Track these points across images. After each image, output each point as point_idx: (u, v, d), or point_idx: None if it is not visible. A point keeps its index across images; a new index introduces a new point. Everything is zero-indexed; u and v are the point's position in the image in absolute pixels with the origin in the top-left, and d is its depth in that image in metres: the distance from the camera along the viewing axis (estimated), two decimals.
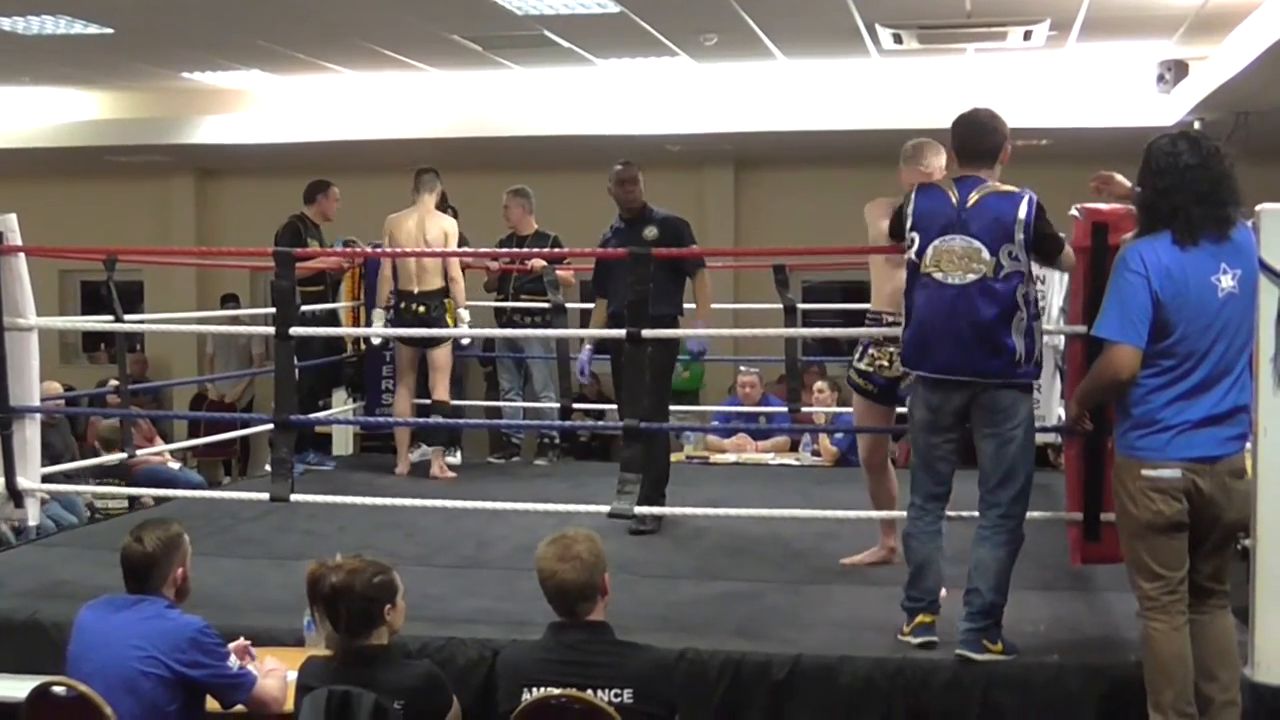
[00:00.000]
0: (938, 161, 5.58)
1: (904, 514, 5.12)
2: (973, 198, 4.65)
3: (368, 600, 3.86)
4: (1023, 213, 4.61)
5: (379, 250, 8.55)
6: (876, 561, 5.99)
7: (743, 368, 10.03)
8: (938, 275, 4.64)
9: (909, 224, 4.76)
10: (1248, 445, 4.41)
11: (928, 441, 4.83)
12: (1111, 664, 4.69)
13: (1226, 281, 4.17)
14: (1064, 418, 5.38)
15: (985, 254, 4.58)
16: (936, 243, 4.65)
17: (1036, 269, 4.91)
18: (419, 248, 8.31)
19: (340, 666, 3.83)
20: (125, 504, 8.45)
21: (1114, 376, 4.21)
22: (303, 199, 9.01)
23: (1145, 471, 4.19)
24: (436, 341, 8.38)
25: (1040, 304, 4.97)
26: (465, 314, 8.56)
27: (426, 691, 3.85)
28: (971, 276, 4.59)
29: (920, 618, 4.81)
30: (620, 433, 5.75)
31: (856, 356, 5.80)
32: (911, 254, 4.73)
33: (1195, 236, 4.17)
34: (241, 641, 4.47)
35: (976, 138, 4.79)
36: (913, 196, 4.80)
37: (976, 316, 4.59)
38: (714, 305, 7.06)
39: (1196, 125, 10.03)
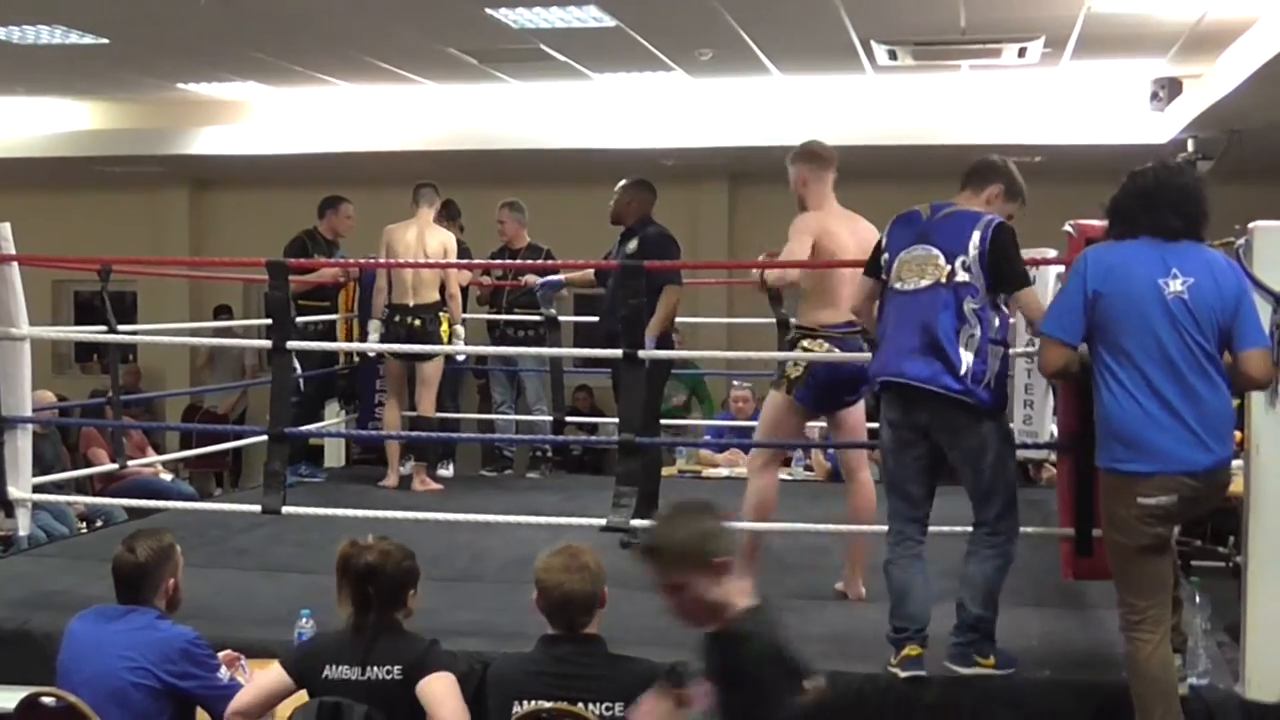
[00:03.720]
0: (798, 169, 5.82)
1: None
2: (942, 213, 4.76)
3: (397, 583, 3.95)
4: (980, 227, 4.65)
5: (373, 261, 8.54)
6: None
7: (735, 382, 10.03)
8: (898, 285, 4.71)
9: (883, 252, 4.83)
10: (1237, 463, 4.41)
11: (896, 462, 4.79)
12: (1103, 680, 4.69)
13: (1175, 285, 4.18)
14: (1056, 434, 5.40)
15: (941, 260, 4.63)
16: (902, 254, 4.73)
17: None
18: (417, 260, 8.31)
19: (350, 641, 3.91)
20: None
21: (1043, 367, 4.47)
22: (316, 214, 9.06)
23: (1141, 499, 4.18)
24: (428, 355, 8.37)
25: (1009, 324, 4.90)
26: (461, 330, 8.55)
27: (426, 657, 3.91)
28: (925, 281, 4.63)
29: (907, 650, 4.69)
30: (610, 446, 5.77)
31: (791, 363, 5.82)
32: (884, 273, 4.79)
33: (1135, 231, 4.27)
34: (230, 653, 4.46)
35: (973, 166, 4.96)
36: (888, 226, 4.88)
37: (925, 320, 4.60)
38: (708, 320, 7.08)
39: (1190, 143, 10.08)
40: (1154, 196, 4.29)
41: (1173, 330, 4.16)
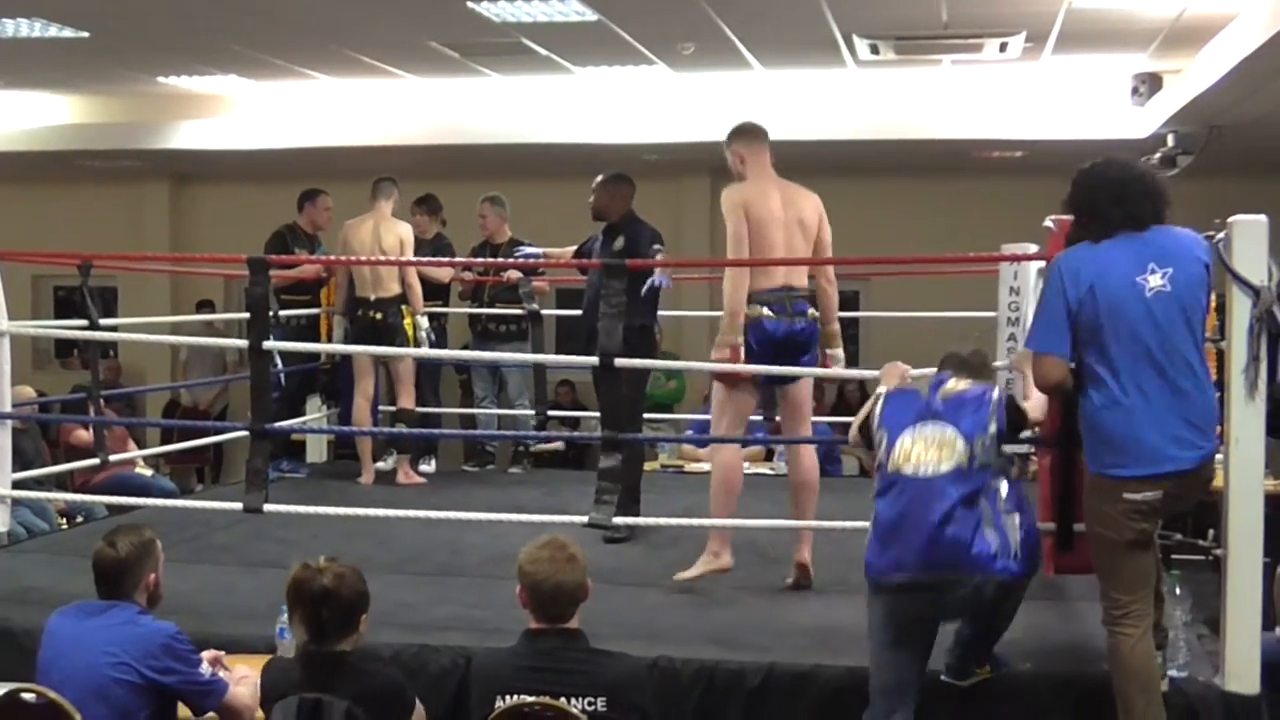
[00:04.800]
0: (734, 149, 5.98)
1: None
2: (946, 389, 4.42)
3: (350, 607, 3.84)
4: (993, 405, 4.35)
5: (348, 259, 8.52)
6: (705, 573, 5.84)
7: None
8: (908, 470, 4.30)
9: (876, 423, 4.48)
10: (1218, 456, 4.43)
11: (894, 659, 4.39)
12: (1084, 673, 4.71)
13: (1155, 280, 4.19)
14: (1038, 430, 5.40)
15: (960, 443, 4.28)
16: (907, 432, 4.35)
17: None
18: (375, 254, 8.30)
19: (304, 671, 3.81)
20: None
21: (1042, 385, 4.34)
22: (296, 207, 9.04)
23: (1127, 495, 4.19)
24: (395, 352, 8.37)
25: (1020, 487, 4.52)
26: (424, 321, 8.53)
27: (389, 698, 3.83)
28: (945, 467, 4.27)
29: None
30: (594, 441, 5.77)
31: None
32: (881, 454, 4.41)
33: (1110, 231, 4.25)
34: (214, 652, 4.45)
35: (964, 354, 4.65)
36: (882, 398, 4.55)
37: (946, 508, 4.21)
38: (690, 314, 7.09)
39: (1170, 138, 10.12)
40: (1123, 187, 4.29)
41: (1155, 329, 4.17)
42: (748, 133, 5.98)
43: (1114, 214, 4.27)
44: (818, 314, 5.92)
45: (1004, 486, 4.31)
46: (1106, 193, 4.31)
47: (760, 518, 6.26)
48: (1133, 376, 4.17)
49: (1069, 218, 4.71)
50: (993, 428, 4.31)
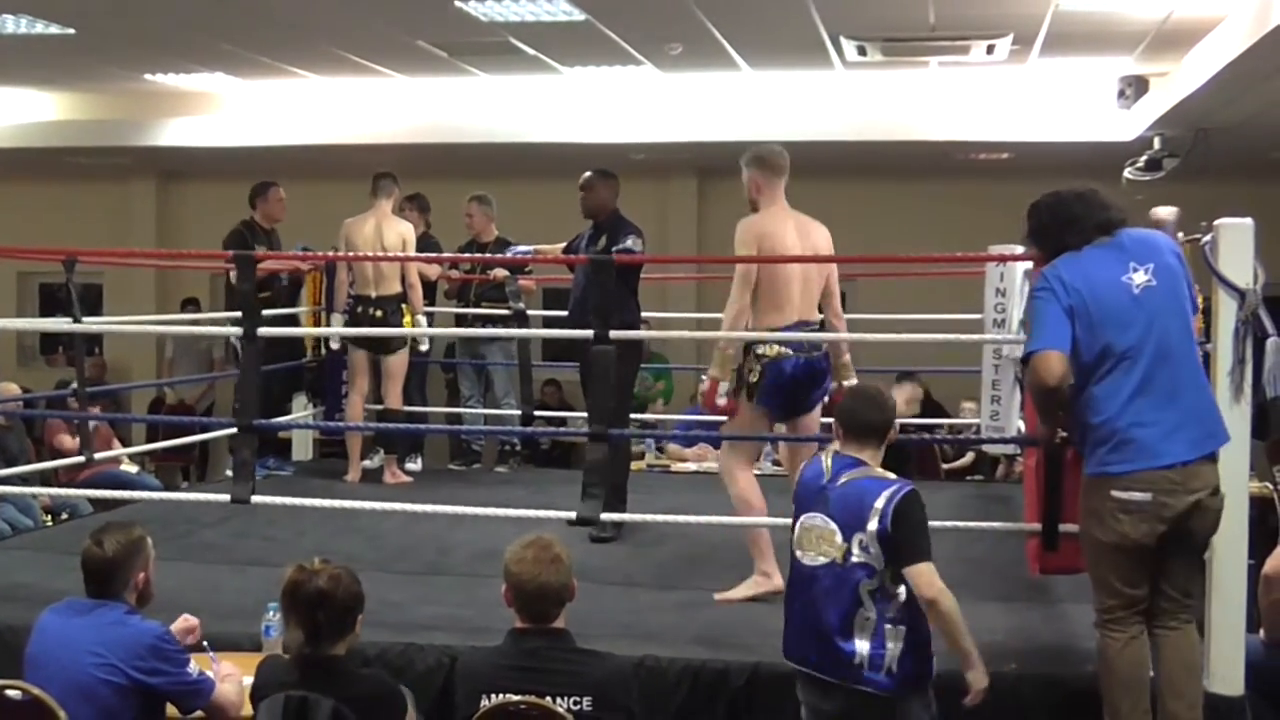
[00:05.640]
0: (751, 174, 5.83)
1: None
2: (844, 477, 4.18)
3: (346, 609, 3.83)
4: (882, 501, 4.06)
5: (335, 255, 8.51)
6: (756, 596, 5.73)
7: (704, 376, 10.01)
8: (799, 554, 4.22)
9: (793, 493, 4.39)
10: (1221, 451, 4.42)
11: None
12: (1068, 674, 4.73)
13: (1140, 277, 4.23)
14: (1023, 429, 5.42)
15: (838, 537, 4.10)
16: (803, 519, 4.23)
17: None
18: (377, 253, 8.29)
19: (298, 673, 3.80)
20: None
21: (1042, 383, 4.21)
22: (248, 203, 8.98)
23: (1115, 493, 4.20)
24: (392, 347, 8.37)
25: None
26: (423, 319, 8.54)
27: (381, 703, 3.82)
28: (821, 560, 4.12)
29: None
30: (580, 440, 5.76)
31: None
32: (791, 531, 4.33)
33: (1089, 237, 4.30)
34: (187, 620, 4.49)
35: (865, 412, 4.33)
36: (801, 469, 4.45)
37: (819, 604, 4.11)
38: (676, 314, 7.10)
39: (1156, 141, 10.16)
40: (1082, 202, 4.37)
41: (1148, 324, 4.20)
42: (769, 166, 5.85)
43: (1084, 226, 4.32)
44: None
45: (900, 593, 4.08)
46: (1067, 210, 4.37)
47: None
48: (1128, 372, 4.18)
49: (1033, 249, 4.71)
50: (873, 526, 4.05)
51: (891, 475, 4.19)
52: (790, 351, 5.65)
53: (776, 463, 9.33)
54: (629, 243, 6.93)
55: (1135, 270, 4.24)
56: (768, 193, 5.84)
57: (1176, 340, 4.24)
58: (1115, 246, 4.30)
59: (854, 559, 4.06)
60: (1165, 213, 4.99)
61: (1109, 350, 4.20)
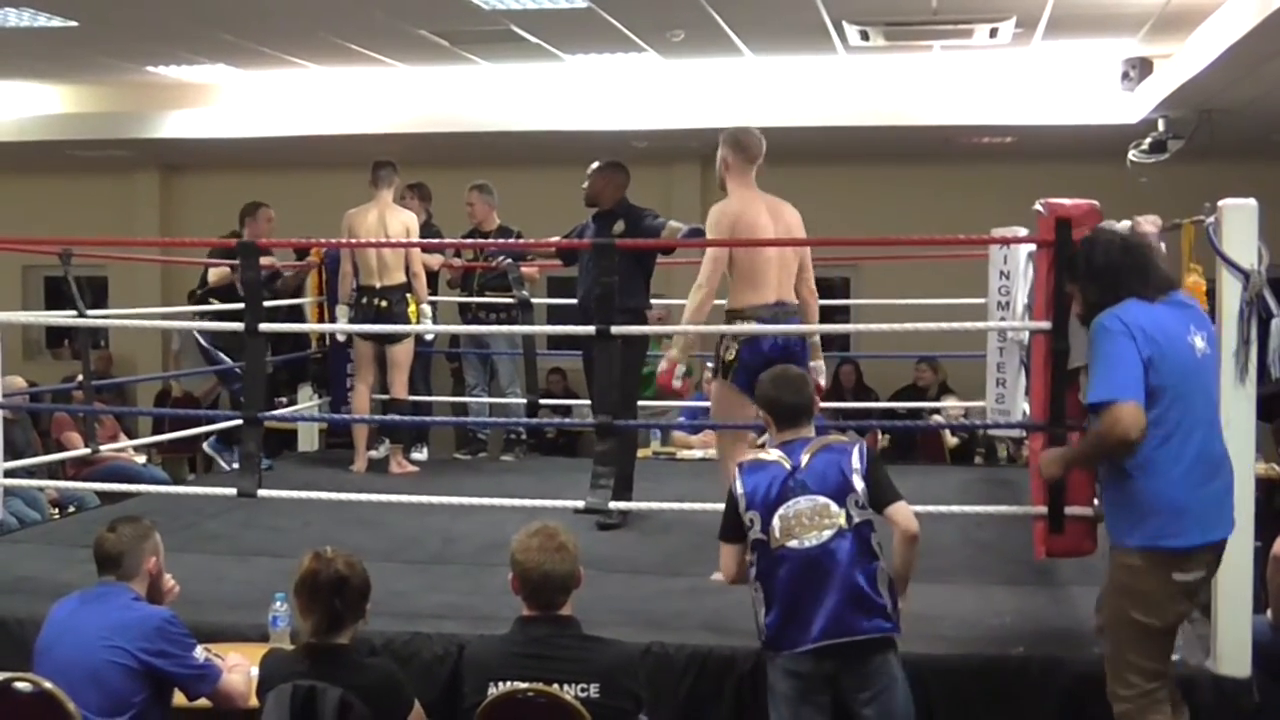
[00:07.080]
0: (724, 152, 5.91)
1: None
2: (805, 456, 4.30)
3: (361, 594, 3.88)
4: (855, 460, 4.26)
5: (336, 241, 8.50)
6: None
7: (710, 364, 10.02)
8: (792, 544, 4.21)
9: (742, 506, 4.33)
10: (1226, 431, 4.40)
11: (796, 714, 4.25)
12: (1075, 657, 4.72)
13: (1199, 343, 4.11)
14: (1028, 414, 5.41)
15: (833, 507, 4.21)
16: (780, 511, 4.24)
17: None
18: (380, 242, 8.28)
19: (306, 663, 3.82)
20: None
21: (1123, 436, 3.94)
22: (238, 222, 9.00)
23: (1177, 576, 4.03)
24: (397, 338, 8.37)
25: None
26: (428, 309, 8.54)
27: (387, 691, 3.84)
28: (827, 534, 4.20)
29: None
30: (586, 428, 5.76)
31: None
32: (756, 533, 4.29)
33: (1163, 288, 4.13)
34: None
35: (792, 397, 4.44)
36: (738, 478, 4.39)
37: (844, 572, 4.16)
38: (680, 302, 7.08)
39: (1160, 123, 10.13)
40: (1155, 251, 4.27)
41: (1205, 392, 4.13)
42: (742, 148, 5.91)
43: (1158, 277, 4.16)
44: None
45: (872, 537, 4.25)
46: (1144, 256, 4.21)
47: None
48: (1186, 440, 4.02)
49: (1059, 201, 4.68)
50: (860, 484, 4.23)
51: (840, 436, 4.39)
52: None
53: None
54: (662, 225, 6.92)
55: (1195, 334, 4.11)
56: (736, 174, 5.90)
57: (1217, 412, 4.19)
58: (1178, 305, 4.16)
59: (856, 519, 4.22)
60: (1149, 224, 4.97)
61: (1173, 412, 4.01)
